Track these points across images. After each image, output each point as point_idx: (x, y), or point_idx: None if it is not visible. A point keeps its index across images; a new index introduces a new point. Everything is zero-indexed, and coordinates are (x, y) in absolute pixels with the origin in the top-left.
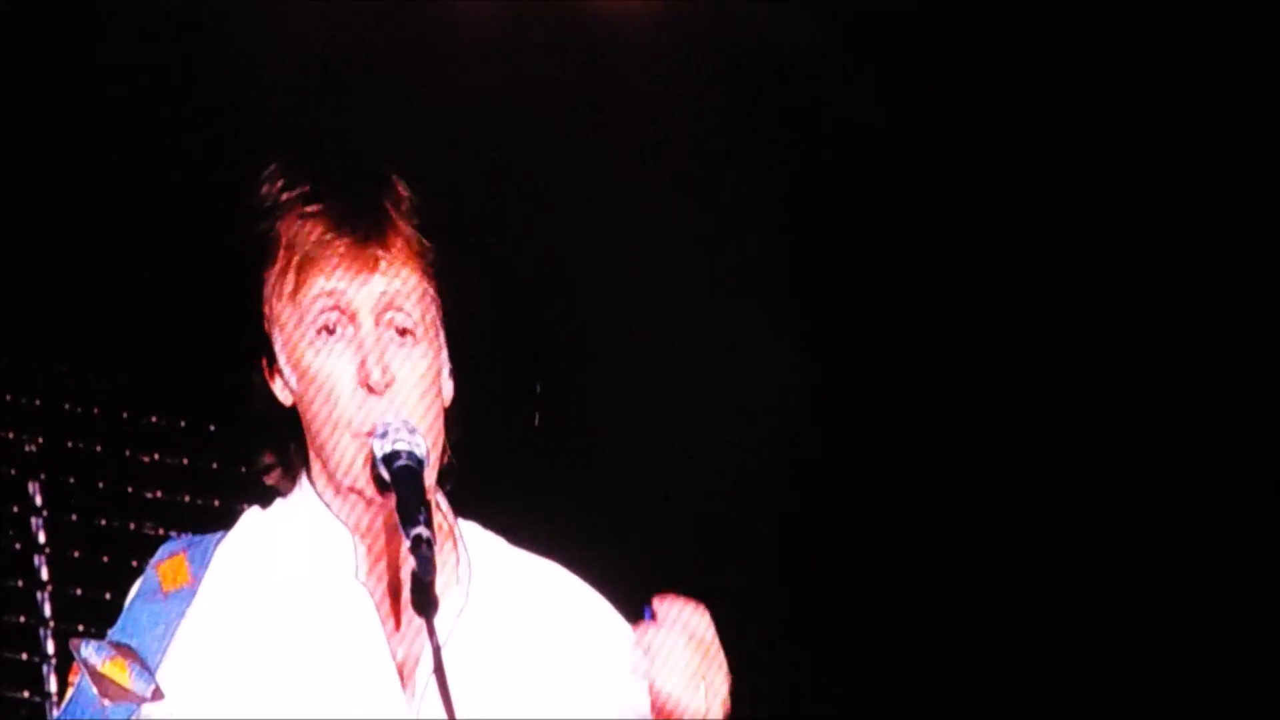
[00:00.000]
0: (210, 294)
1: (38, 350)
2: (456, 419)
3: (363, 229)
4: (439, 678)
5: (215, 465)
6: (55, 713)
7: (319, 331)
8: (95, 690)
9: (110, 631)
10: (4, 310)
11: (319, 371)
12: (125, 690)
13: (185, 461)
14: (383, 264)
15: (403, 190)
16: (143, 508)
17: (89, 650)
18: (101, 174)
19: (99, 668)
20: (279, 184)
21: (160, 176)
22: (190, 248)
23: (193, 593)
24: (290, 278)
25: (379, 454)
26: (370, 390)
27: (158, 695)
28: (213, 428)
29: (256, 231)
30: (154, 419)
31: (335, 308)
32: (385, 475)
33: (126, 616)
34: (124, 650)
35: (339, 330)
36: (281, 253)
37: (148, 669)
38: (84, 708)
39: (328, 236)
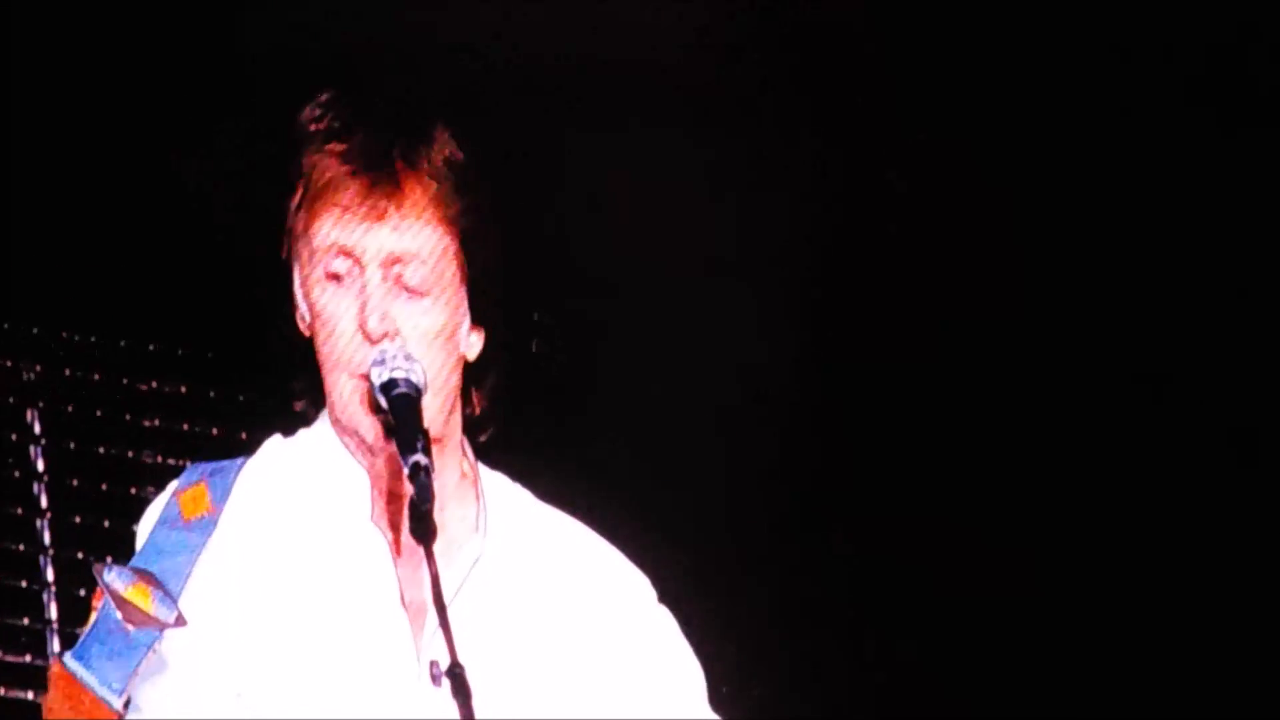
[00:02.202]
0: (218, 218)
1: (37, 278)
2: (488, 372)
3: (379, 174)
4: (438, 606)
5: (214, 393)
6: (55, 641)
7: (328, 275)
8: (119, 615)
9: (133, 559)
10: (4, 238)
11: (325, 312)
12: (149, 616)
13: (184, 389)
14: (392, 213)
15: (442, 143)
16: (141, 435)
17: (112, 575)
18: (126, 96)
19: (122, 593)
20: (314, 114)
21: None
22: (197, 175)
23: (213, 522)
24: (302, 213)
25: (376, 381)
26: (367, 338)
27: (180, 622)
28: (211, 355)
29: (288, 164)
30: (152, 346)
31: (342, 252)
32: (383, 402)
33: (149, 543)
34: (147, 577)
35: (345, 276)
36: (299, 185)
37: (170, 596)
38: (107, 632)
39: (342, 176)
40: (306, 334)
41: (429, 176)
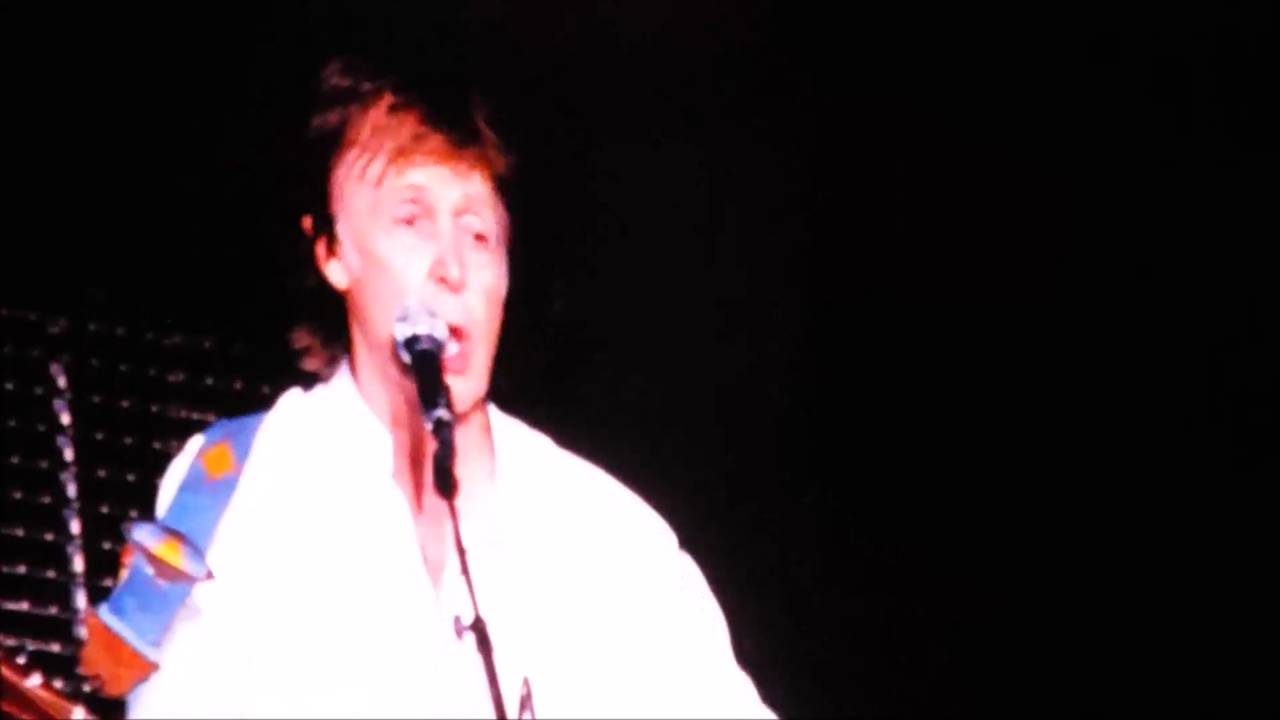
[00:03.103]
0: (246, 178)
1: (61, 232)
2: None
3: (458, 130)
4: (461, 560)
5: (239, 347)
6: (81, 595)
7: (396, 221)
8: (150, 570)
9: (160, 518)
10: (30, 194)
11: (391, 258)
12: (180, 571)
13: (208, 344)
14: (469, 168)
15: (492, 102)
16: (166, 390)
17: (142, 533)
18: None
19: (152, 549)
20: (358, 74)
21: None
22: (224, 132)
23: (236, 480)
24: (377, 164)
25: (399, 337)
26: (445, 285)
27: (210, 577)
28: (236, 309)
29: (330, 117)
30: (177, 301)
31: (417, 201)
32: (406, 358)
33: (175, 504)
34: (175, 533)
35: (418, 224)
36: (364, 139)
37: (199, 551)
38: (140, 587)
39: (422, 130)
40: (342, 285)
41: (491, 132)
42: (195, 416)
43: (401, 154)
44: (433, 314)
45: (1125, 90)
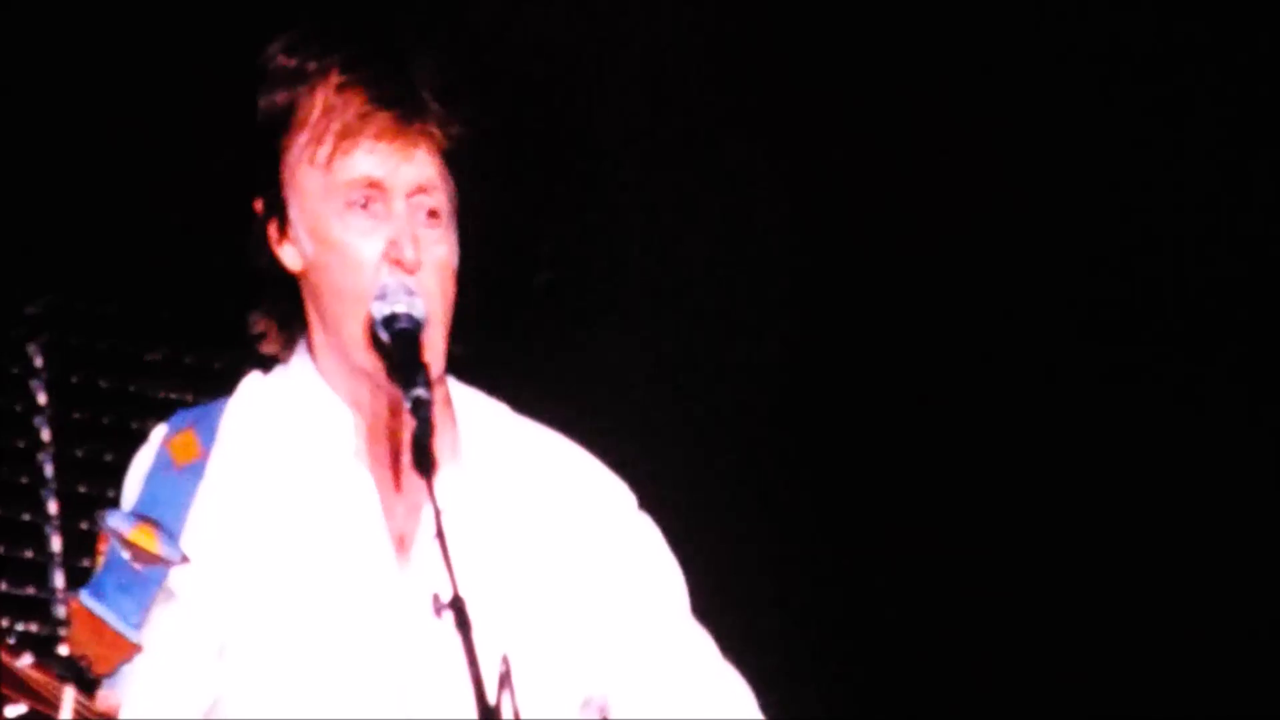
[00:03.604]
0: (216, 157)
1: (42, 213)
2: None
3: (404, 107)
4: (440, 541)
5: (218, 325)
6: (59, 575)
7: (349, 205)
8: (127, 555)
9: (133, 508)
10: (6, 176)
11: (345, 242)
12: (155, 556)
13: (187, 322)
14: (417, 144)
15: (438, 75)
16: (143, 367)
17: (116, 519)
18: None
19: (127, 535)
20: (304, 53)
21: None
22: (189, 114)
23: (204, 465)
24: (325, 146)
25: (378, 316)
26: (400, 266)
27: (185, 560)
28: (216, 288)
29: (278, 98)
30: (156, 278)
31: (370, 184)
32: (384, 337)
33: (144, 492)
34: (149, 520)
35: (371, 206)
36: (313, 120)
37: (173, 536)
38: (117, 573)
39: (367, 110)
40: (296, 269)
41: (438, 108)
42: (173, 395)
43: (348, 134)
44: (410, 292)
45: (1118, 91)
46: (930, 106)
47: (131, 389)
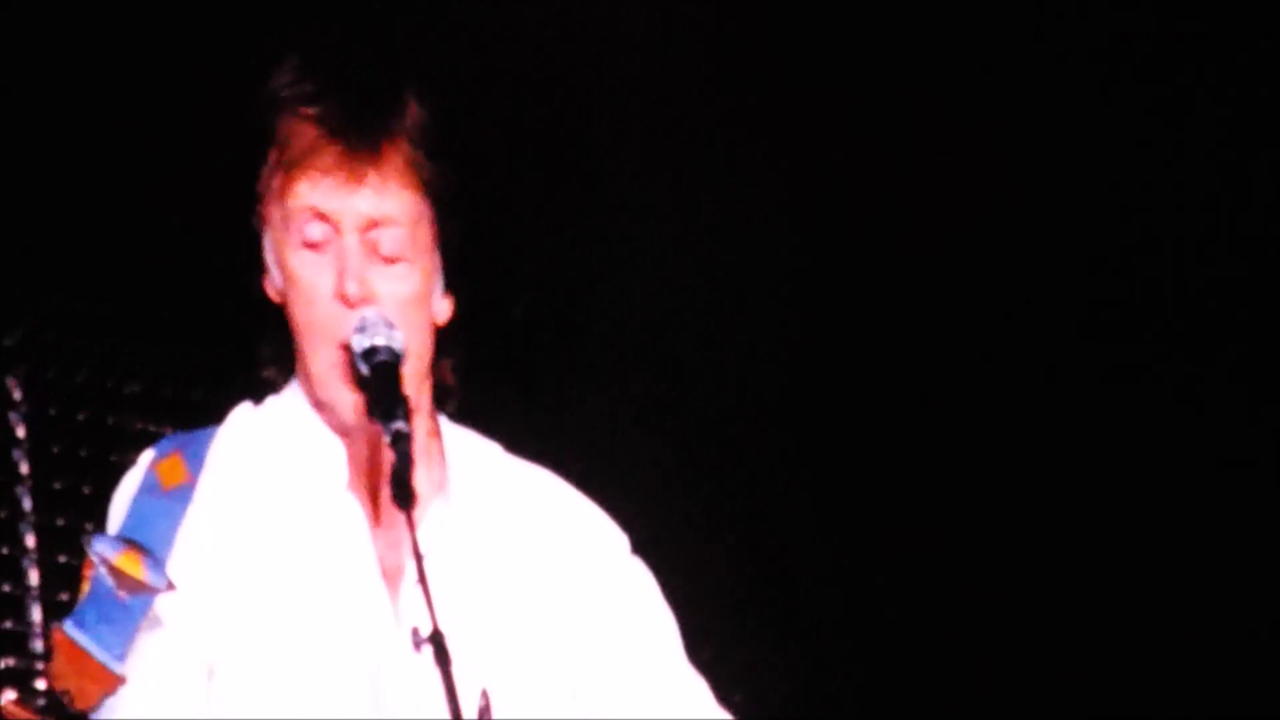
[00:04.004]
0: (202, 184)
1: (14, 245)
2: (455, 338)
3: (356, 138)
4: (419, 569)
5: (197, 358)
6: (36, 610)
7: (302, 238)
8: (112, 582)
9: (117, 530)
10: None
11: (301, 278)
12: (141, 583)
13: (165, 354)
14: (372, 178)
15: (413, 108)
16: (122, 400)
17: (102, 545)
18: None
19: (113, 561)
20: (284, 79)
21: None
22: (178, 140)
23: (192, 489)
24: (278, 178)
25: (357, 349)
26: (344, 302)
27: (171, 588)
28: (192, 319)
29: (258, 125)
30: (134, 312)
31: (319, 217)
32: (364, 370)
33: (131, 514)
34: (134, 544)
35: (322, 242)
36: (273, 150)
37: (159, 561)
38: (101, 600)
39: (319, 141)
40: (277, 300)
41: (405, 141)
42: (152, 428)
43: (297, 165)
44: (390, 325)
45: (1118, 91)
46: (930, 106)
47: (110, 422)
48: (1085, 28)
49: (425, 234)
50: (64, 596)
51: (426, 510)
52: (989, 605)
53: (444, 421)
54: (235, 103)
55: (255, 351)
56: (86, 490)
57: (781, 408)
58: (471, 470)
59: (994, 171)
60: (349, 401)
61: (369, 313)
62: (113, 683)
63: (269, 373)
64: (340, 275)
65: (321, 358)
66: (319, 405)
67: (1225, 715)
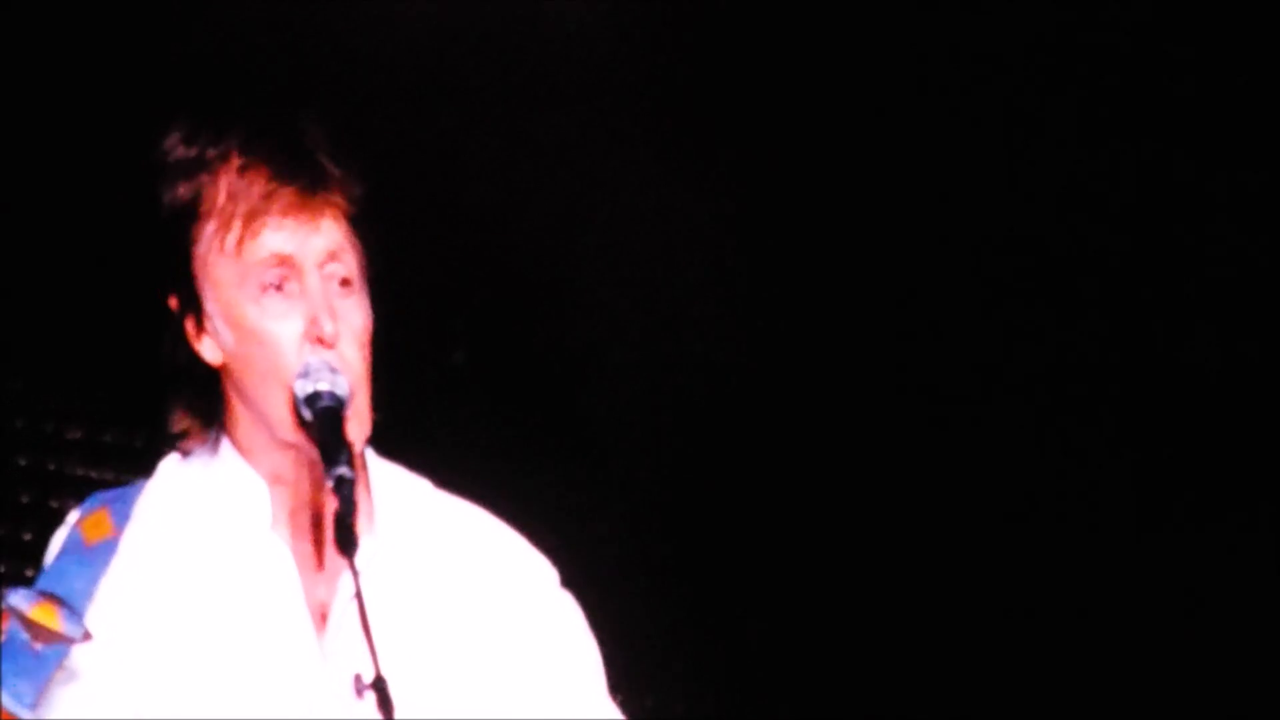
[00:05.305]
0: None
1: None
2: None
3: (306, 179)
4: (361, 616)
5: (139, 404)
6: None
7: (264, 288)
8: (26, 635)
9: (36, 584)
10: None
11: (263, 328)
12: (56, 633)
13: (106, 401)
14: (324, 213)
15: (332, 139)
16: (64, 447)
17: (16, 597)
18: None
19: (27, 613)
20: (201, 140)
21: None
22: (94, 216)
23: (116, 543)
24: (233, 233)
25: (300, 394)
26: (321, 344)
27: (88, 638)
28: (135, 365)
29: (180, 190)
30: (75, 357)
31: (282, 263)
32: (307, 415)
33: (51, 570)
34: (51, 597)
35: (286, 286)
36: (219, 207)
37: (76, 613)
38: (15, 651)
39: (271, 188)
40: (216, 361)
41: (339, 173)
42: (93, 474)
43: (255, 215)
44: (334, 370)
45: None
46: (878, 113)
47: (50, 467)
48: (1084, 25)
49: (359, 261)
50: None
51: (359, 549)
52: (929, 634)
53: (371, 456)
54: (136, 177)
55: (176, 424)
56: (27, 536)
57: (716, 440)
58: (400, 505)
59: (945, 175)
60: (298, 440)
61: (312, 359)
62: None
63: (194, 444)
64: (314, 318)
65: (282, 400)
66: (263, 450)
67: (1225, 715)
